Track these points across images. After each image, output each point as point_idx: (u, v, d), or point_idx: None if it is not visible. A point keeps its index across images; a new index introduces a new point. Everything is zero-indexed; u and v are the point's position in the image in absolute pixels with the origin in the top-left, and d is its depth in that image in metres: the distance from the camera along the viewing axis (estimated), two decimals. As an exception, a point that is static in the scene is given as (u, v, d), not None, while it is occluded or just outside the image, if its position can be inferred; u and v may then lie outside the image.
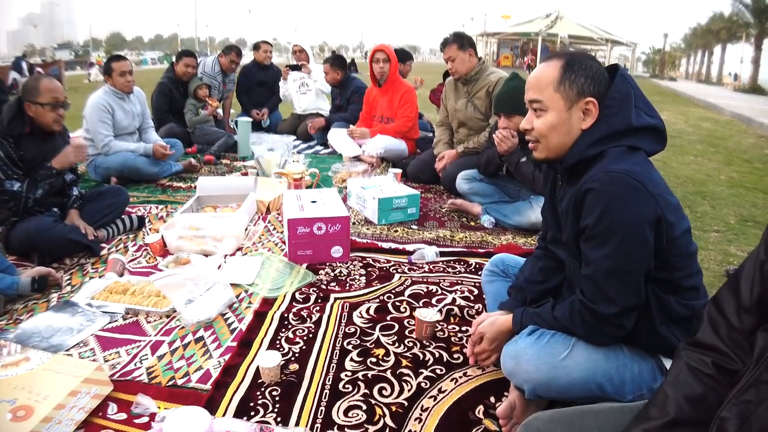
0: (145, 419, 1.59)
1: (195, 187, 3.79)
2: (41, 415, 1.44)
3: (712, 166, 5.26)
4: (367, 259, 2.75)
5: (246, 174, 4.30)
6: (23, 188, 2.53)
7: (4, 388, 1.53)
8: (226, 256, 2.74)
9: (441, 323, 2.11)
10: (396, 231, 3.19)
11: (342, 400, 1.70)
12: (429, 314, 2.02)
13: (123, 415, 1.61)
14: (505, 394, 1.71)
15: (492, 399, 1.71)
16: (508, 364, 1.53)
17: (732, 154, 5.80)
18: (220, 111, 5.59)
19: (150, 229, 3.10)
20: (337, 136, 5.00)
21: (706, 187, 4.43)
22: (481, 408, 1.67)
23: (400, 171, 3.92)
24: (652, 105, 1.45)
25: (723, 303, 1.00)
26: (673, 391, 0.97)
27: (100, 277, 2.48)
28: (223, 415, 1.60)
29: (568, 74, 1.42)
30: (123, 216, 3.06)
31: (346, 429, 1.58)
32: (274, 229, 3.20)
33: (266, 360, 1.76)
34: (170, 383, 1.77)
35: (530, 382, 1.46)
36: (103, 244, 2.86)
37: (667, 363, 1.41)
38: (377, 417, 1.63)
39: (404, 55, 5.94)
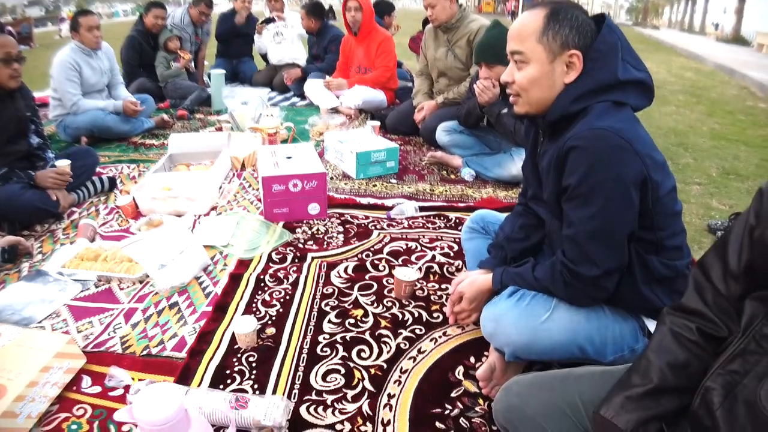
0: (120, 391, 1.56)
1: (167, 144, 3.68)
2: (14, 394, 1.40)
3: (695, 117, 5.20)
4: (345, 215, 2.69)
5: (220, 129, 4.17)
6: None
7: (-25, 368, 1.49)
8: (199, 216, 2.67)
9: (420, 281, 2.09)
10: (375, 185, 3.13)
11: (320, 364, 1.68)
12: (408, 273, 1.98)
13: (98, 388, 1.58)
14: (485, 354, 1.71)
15: (472, 359, 1.70)
16: (488, 327, 1.51)
17: (714, 105, 5.73)
18: (192, 64, 5.38)
19: (121, 191, 3.00)
20: (314, 88, 4.85)
21: (688, 139, 4.38)
22: (461, 369, 1.66)
23: (378, 123, 3.81)
24: (640, 58, 1.37)
25: (709, 268, 0.97)
26: (656, 358, 0.95)
27: (71, 243, 2.40)
28: (199, 385, 1.58)
29: (552, 24, 1.33)
30: (93, 178, 2.96)
31: (324, 394, 1.56)
32: (250, 186, 3.12)
33: (242, 326, 1.73)
34: (145, 353, 1.73)
35: (510, 345, 1.45)
36: (74, 208, 2.78)
37: (649, 323, 1.42)
38: (356, 381, 1.61)
39: (386, 7, 5.71)
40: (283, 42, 5.73)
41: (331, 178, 3.21)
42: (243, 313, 1.92)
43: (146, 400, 1.15)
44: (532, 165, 1.58)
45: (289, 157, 2.74)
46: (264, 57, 6.10)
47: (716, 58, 8.43)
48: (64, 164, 2.63)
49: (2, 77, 2.44)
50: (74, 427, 1.45)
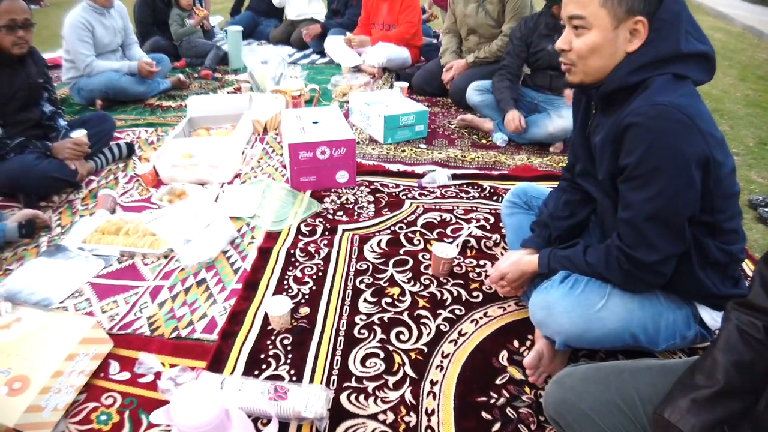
0: (151, 377, 1.49)
1: (185, 106, 3.55)
2: (39, 386, 1.33)
3: (728, 81, 4.97)
4: (375, 183, 2.57)
5: (239, 89, 4.02)
6: (3, 133, 2.34)
7: (-4, 356, 1.41)
8: (223, 184, 2.56)
9: (458, 257, 1.98)
10: (404, 151, 2.99)
11: (358, 347, 1.60)
12: (446, 250, 1.88)
13: (126, 375, 1.51)
14: (529, 337, 1.64)
15: (516, 343, 1.62)
16: (539, 315, 1.43)
17: (746, 69, 5.49)
18: (212, 22, 5.17)
19: (140, 158, 2.89)
20: (335, 45, 4.64)
21: (723, 105, 4.19)
22: (504, 354, 1.58)
23: (406, 85, 3.63)
24: (701, 29, 1.23)
25: None
26: (722, 357, 0.90)
27: (90, 214, 2.31)
28: (233, 371, 1.51)
29: None
30: (111, 144, 2.85)
31: (364, 381, 1.49)
32: (273, 151, 3.00)
33: (275, 307, 1.64)
34: (174, 335, 1.66)
35: (562, 334, 1.38)
36: (92, 177, 2.68)
37: (701, 309, 1.37)
38: (396, 366, 1.53)
39: None
40: (303, -5, 5.49)
41: (358, 143, 3.07)
42: (274, 291, 1.83)
43: (185, 401, 1.07)
44: (582, 139, 1.47)
45: (315, 122, 2.61)
46: (282, 11, 5.87)
47: (744, 18, 8.02)
48: (80, 134, 2.52)
49: (6, 43, 2.31)
50: (103, 417, 1.39)
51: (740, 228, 1.32)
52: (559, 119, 2.85)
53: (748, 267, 1.98)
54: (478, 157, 2.90)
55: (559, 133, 2.88)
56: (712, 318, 1.36)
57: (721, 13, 8.75)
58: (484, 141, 3.15)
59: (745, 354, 0.88)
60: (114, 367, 1.54)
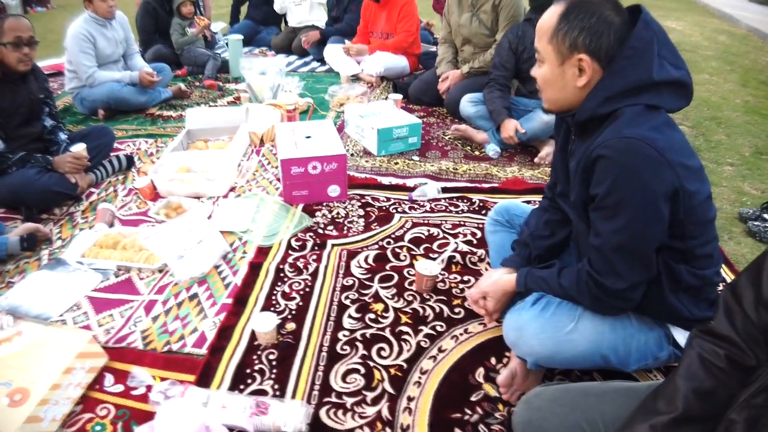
0: (143, 390, 1.57)
1: (185, 116, 3.62)
2: (37, 398, 1.41)
3: (728, 87, 4.91)
4: (366, 197, 2.64)
5: (239, 99, 4.10)
6: (5, 148, 2.42)
7: (-1, 369, 1.50)
8: (217, 198, 2.64)
9: (442, 273, 2.04)
10: (396, 163, 3.05)
11: (340, 363, 1.66)
12: (429, 267, 1.94)
13: (120, 387, 1.59)
14: (506, 354, 1.69)
15: (493, 360, 1.67)
16: (511, 336, 1.49)
17: (748, 73, 5.43)
18: (213, 29, 5.23)
19: (139, 171, 2.97)
20: (335, 54, 4.70)
21: (721, 112, 4.17)
22: (481, 371, 1.63)
23: (400, 97, 3.68)
24: (678, 53, 1.26)
25: (741, 293, 0.93)
26: (683, 384, 0.92)
27: (90, 227, 2.40)
28: (220, 385, 1.58)
29: (563, 25, 1.25)
30: (111, 157, 2.93)
31: (344, 396, 1.55)
32: (269, 163, 3.07)
33: (261, 324, 1.71)
34: (165, 349, 1.73)
35: (533, 355, 1.43)
36: (92, 189, 2.76)
37: (675, 331, 1.39)
38: (376, 382, 1.60)
39: None
40: (303, 3, 5.54)
41: (352, 155, 3.14)
42: (263, 307, 1.90)
43: (168, 417, 1.14)
44: (562, 162, 1.51)
45: (308, 137, 2.67)
46: (282, 15, 5.92)
47: (749, 20, 7.95)
48: (80, 148, 2.60)
49: (11, 60, 2.40)
50: (98, 428, 1.47)
51: (716, 252, 1.34)
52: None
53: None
54: (470, 170, 2.95)
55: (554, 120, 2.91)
56: (685, 339, 1.37)
57: (726, 14, 8.69)
58: (477, 153, 3.20)
59: (705, 381, 0.90)
60: (109, 379, 1.61)
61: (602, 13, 1.22)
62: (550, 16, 1.27)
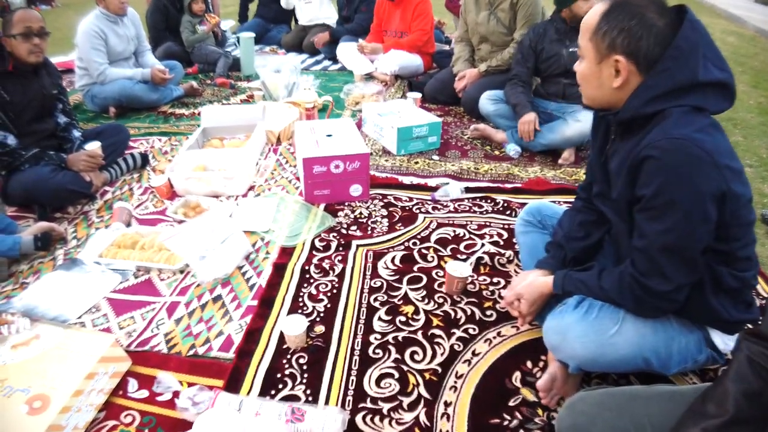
0: (169, 396, 1.51)
1: (198, 114, 3.57)
2: (59, 405, 1.36)
3: (741, 88, 4.87)
4: (388, 197, 2.58)
5: (252, 97, 4.04)
6: (18, 144, 2.37)
7: (16, 375, 1.44)
8: (237, 197, 2.58)
9: (471, 275, 1.99)
10: (416, 163, 2.99)
11: (373, 367, 1.61)
12: (460, 268, 1.88)
13: (145, 393, 1.53)
14: (542, 357, 1.64)
15: (529, 364, 1.63)
16: (553, 340, 1.46)
17: (759, 75, 5.41)
18: (223, 27, 5.18)
19: (154, 169, 2.92)
20: (348, 53, 4.65)
21: (736, 113, 4.13)
22: (518, 375, 1.59)
23: (419, 95, 3.63)
24: (722, 55, 1.23)
25: None
26: (733, 386, 0.92)
27: (106, 227, 2.34)
28: (249, 391, 1.52)
29: (604, 24, 1.24)
30: (125, 155, 2.88)
31: (379, 402, 1.50)
32: (287, 162, 3.01)
33: (291, 327, 1.66)
34: (191, 353, 1.68)
35: (576, 359, 1.41)
36: (107, 188, 2.71)
37: (713, 334, 1.38)
38: (411, 387, 1.55)
39: None
40: (313, 1, 5.49)
41: (371, 154, 3.08)
42: (290, 308, 1.85)
43: (206, 428, 1.08)
44: (600, 162, 1.48)
45: (329, 135, 2.62)
46: (292, 13, 5.87)
47: (756, 21, 7.91)
48: (95, 146, 2.54)
49: (22, 52, 2.35)
50: (124, 436, 1.41)
51: (754, 255, 1.33)
52: (576, 123, 2.85)
53: (763, 289, 1.97)
54: (491, 170, 2.90)
55: (576, 137, 2.87)
56: (723, 341, 1.38)
57: (734, 16, 8.66)
58: (497, 152, 3.14)
59: (754, 384, 0.90)
60: (132, 385, 1.56)
61: (644, 15, 1.20)
62: (594, 13, 1.27)
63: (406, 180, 2.76)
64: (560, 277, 1.50)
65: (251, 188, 2.70)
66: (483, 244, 2.19)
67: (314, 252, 2.16)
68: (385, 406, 1.48)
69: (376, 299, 1.89)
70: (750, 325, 1.50)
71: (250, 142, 2.91)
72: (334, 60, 5.10)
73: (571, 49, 2.86)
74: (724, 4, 9.60)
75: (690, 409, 0.98)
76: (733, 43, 6.86)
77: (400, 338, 1.72)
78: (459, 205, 2.51)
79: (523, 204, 2.42)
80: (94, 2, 3.62)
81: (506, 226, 2.32)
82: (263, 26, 5.91)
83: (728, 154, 1.19)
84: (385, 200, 2.55)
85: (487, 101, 3.26)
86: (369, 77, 4.46)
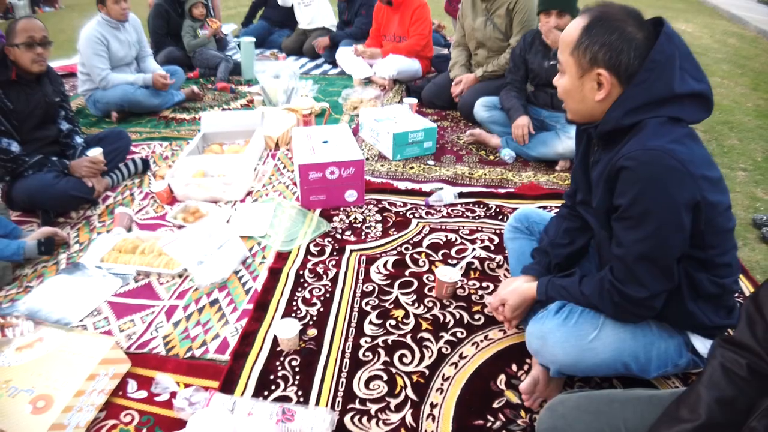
0: (167, 396, 1.58)
1: (199, 119, 3.64)
2: (62, 405, 1.42)
3: (739, 91, 4.91)
4: (383, 202, 2.64)
5: (251, 101, 4.11)
6: (21, 150, 2.43)
7: (21, 376, 1.51)
8: (235, 202, 2.65)
9: (461, 279, 2.04)
10: (412, 168, 3.05)
11: (362, 369, 1.67)
12: (449, 273, 1.94)
13: (143, 393, 1.59)
14: (527, 361, 1.70)
15: (514, 367, 1.68)
16: (534, 344, 1.51)
17: (759, 77, 5.41)
18: (224, 30, 5.24)
19: (155, 174, 2.98)
20: (347, 57, 4.72)
21: (733, 116, 4.16)
22: (502, 378, 1.64)
23: (415, 101, 3.69)
24: (700, 66, 1.27)
25: (762, 303, 0.95)
26: (706, 393, 0.95)
27: (107, 231, 2.41)
28: (243, 392, 1.58)
29: (585, 39, 1.27)
30: (126, 160, 2.94)
31: (367, 403, 1.56)
32: (284, 167, 3.07)
33: (284, 330, 1.72)
34: (188, 355, 1.74)
35: (556, 363, 1.45)
36: (109, 192, 2.77)
37: (694, 338, 1.42)
38: (398, 389, 1.60)
39: None
40: (313, 4, 5.54)
41: (367, 159, 3.14)
42: (284, 312, 1.91)
43: (199, 427, 1.15)
44: (583, 170, 1.53)
45: (325, 141, 2.68)
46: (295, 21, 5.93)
47: (758, 21, 7.91)
48: (96, 152, 2.61)
49: (25, 61, 2.41)
50: (123, 434, 1.47)
51: (734, 261, 1.36)
52: (568, 140, 2.90)
53: (747, 289, 2.02)
54: (485, 174, 2.95)
55: (567, 152, 2.93)
56: (704, 346, 1.41)
57: (735, 16, 8.65)
58: (491, 157, 3.20)
59: (727, 390, 0.93)
60: (132, 385, 1.62)
61: (624, 30, 1.23)
62: (574, 28, 1.29)
63: (401, 185, 2.82)
64: (543, 283, 1.55)
65: (249, 193, 2.76)
66: (474, 249, 2.25)
67: (309, 257, 2.22)
68: (373, 407, 1.54)
69: (367, 303, 1.95)
70: (731, 330, 1.55)
71: (249, 148, 2.97)
72: (334, 64, 5.16)
73: (551, 62, 2.92)
74: (726, 4, 9.60)
75: (664, 413, 1.01)
76: (734, 45, 6.86)
77: (389, 341, 1.78)
78: (452, 210, 2.56)
79: (515, 209, 2.48)
80: (96, 15, 3.67)
81: (497, 231, 2.37)
82: (267, 29, 5.97)
83: (704, 164, 1.22)
84: (380, 205, 2.61)
85: (482, 108, 3.32)
86: (368, 81, 4.52)
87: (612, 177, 1.26)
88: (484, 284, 2.05)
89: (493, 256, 2.21)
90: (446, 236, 2.35)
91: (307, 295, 1.99)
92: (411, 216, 2.52)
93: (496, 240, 2.32)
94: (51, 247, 2.22)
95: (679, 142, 1.20)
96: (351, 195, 2.58)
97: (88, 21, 3.61)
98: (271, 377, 1.64)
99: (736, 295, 1.79)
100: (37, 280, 2.12)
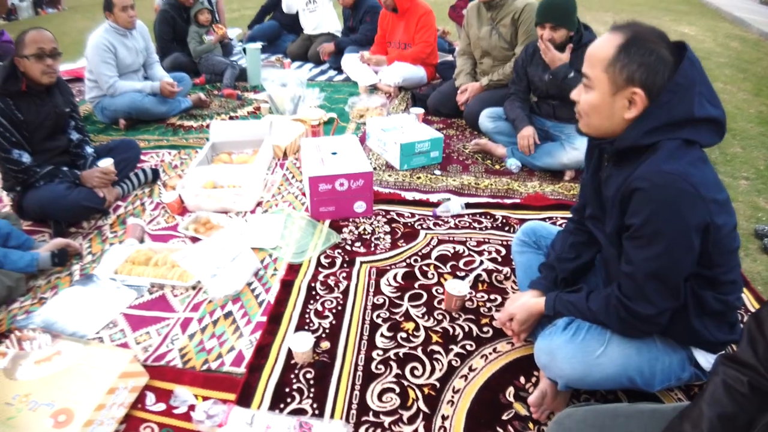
0: (185, 409, 1.62)
1: (207, 126, 3.67)
2: (83, 419, 1.46)
3: (742, 96, 4.92)
4: (391, 213, 2.68)
5: (258, 109, 4.15)
6: (32, 161, 2.47)
7: (40, 389, 1.54)
8: (246, 213, 2.68)
9: (470, 292, 2.08)
10: (419, 178, 3.09)
11: (375, 382, 1.71)
12: (458, 287, 1.98)
13: (162, 406, 1.63)
14: (535, 373, 1.73)
15: (522, 380, 1.72)
16: (543, 360, 1.55)
17: (761, 82, 5.40)
18: (230, 35, 5.27)
19: (164, 184, 3.02)
20: (352, 64, 4.75)
21: (736, 123, 4.17)
22: (511, 390, 1.68)
23: (422, 111, 3.72)
24: (716, 93, 1.31)
25: (764, 322, 0.98)
26: (708, 409, 0.98)
27: (120, 242, 2.45)
28: (260, 404, 1.62)
29: (622, 57, 1.27)
30: (136, 170, 2.98)
31: (381, 415, 1.59)
32: (293, 177, 3.11)
33: (298, 343, 1.76)
34: (204, 367, 1.78)
35: (564, 378, 1.49)
36: (119, 202, 2.81)
37: (697, 353, 1.46)
38: (410, 401, 1.64)
39: None
40: (318, 9, 5.57)
41: (375, 169, 3.18)
42: (297, 325, 1.95)
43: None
44: (594, 185, 1.55)
45: (334, 153, 2.72)
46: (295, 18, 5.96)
47: (761, 24, 7.91)
48: (107, 163, 2.64)
49: (35, 72, 2.43)
50: (143, 447, 1.51)
51: (738, 278, 1.41)
52: (573, 150, 2.94)
53: (751, 304, 2.06)
54: (492, 184, 2.99)
55: (572, 163, 2.97)
56: (707, 360, 1.46)
57: (738, 18, 8.65)
58: (497, 167, 3.23)
59: (728, 407, 0.96)
60: (150, 398, 1.66)
61: (660, 52, 1.26)
62: (608, 45, 1.29)
63: (409, 195, 2.86)
64: (551, 299, 1.58)
65: (259, 204, 2.80)
66: (482, 262, 2.29)
67: (320, 269, 2.26)
68: (387, 420, 1.58)
69: (378, 316, 1.99)
70: (733, 346, 1.59)
71: (258, 157, 3.01)
72: (339, 70, 5.19)
73: (547, 77, 2.96)
74: (728, 6, 9.60)
75: (667, 428, 1.04)
76: (737, 48, 6.85)
77: (401, 354, 1.82)
78: (459, 221, 2.60)
79: (522, 220, 2.53)
80: (100, 6, 3.70)
81: (504, 243, 2.41)
82: (277, 30, 5.99)
83: (714, 187, 1.26)
84: (388, 216, 2.65)
85: (487, 119, 3.36)
86: (373, 89, 4.56)
87: (625, 198, 1.30)
88: (492, 296, 2.09)
89: (500, 267, 2.25)
90: (454, 248, 2.39)
91: (319, 308, 2.03)
92: (419, 227, 2.56)
93: (503, 252, 2.35)
94: (64, 258, 2.26)
95: (693, 165, 1.24)
96: (360, 206, 2.61)
97: (92, 24, 3.64)
98: (287, 390, 1.68)
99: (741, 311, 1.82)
100: (51, 292, 2.15)
